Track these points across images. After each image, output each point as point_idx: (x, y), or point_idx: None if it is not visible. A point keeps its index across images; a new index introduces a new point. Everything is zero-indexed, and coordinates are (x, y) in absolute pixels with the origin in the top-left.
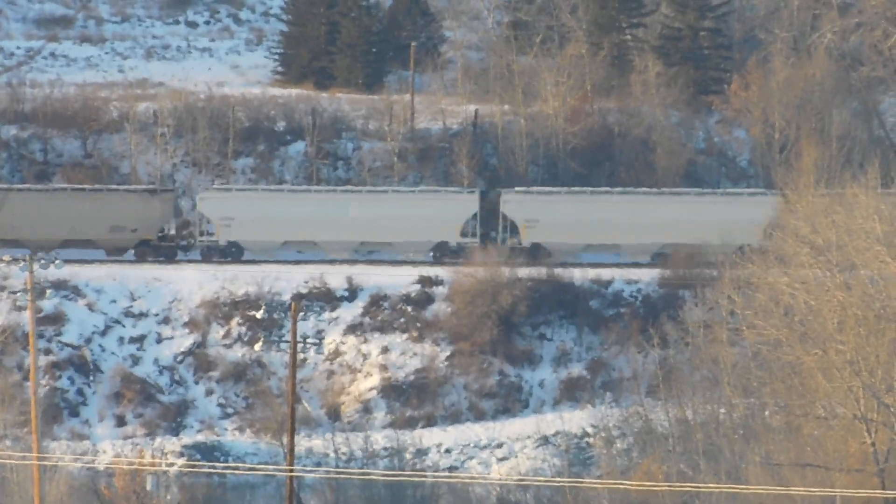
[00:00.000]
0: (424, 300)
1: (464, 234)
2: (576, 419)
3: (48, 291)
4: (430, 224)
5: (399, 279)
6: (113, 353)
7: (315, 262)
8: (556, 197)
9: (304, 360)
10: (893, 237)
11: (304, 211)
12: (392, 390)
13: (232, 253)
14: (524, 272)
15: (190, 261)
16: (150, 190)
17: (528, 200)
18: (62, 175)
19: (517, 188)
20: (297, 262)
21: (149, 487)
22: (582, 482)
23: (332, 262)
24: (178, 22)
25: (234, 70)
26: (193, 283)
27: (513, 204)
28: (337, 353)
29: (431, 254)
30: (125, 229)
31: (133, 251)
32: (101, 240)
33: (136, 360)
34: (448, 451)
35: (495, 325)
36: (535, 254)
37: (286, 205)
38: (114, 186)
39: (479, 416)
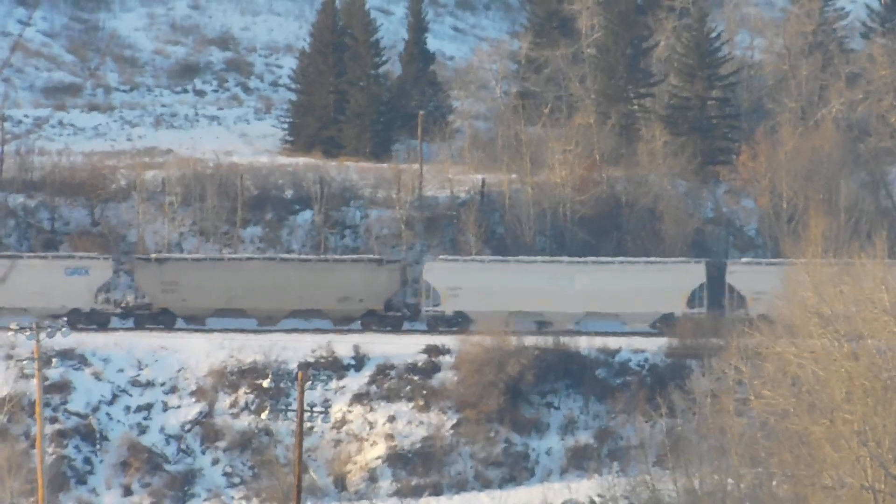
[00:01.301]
0: (431, 369)
1: (690, 305)
2: (583, 488)
3: (54, 360)
4: (656, 295)
5: (405, 348)
6: (119, 422)
7: (322, 332)
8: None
9: (311, 428)
10: None
11: (530, 282)
12: (398, 459)
13: (458, 323)
14: (531, 341)
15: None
16: (377, 260)
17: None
18: (69, 244)
19: (440, 257)
20: (304, 331)
21: None
22: None
23: (338, 331)
24: (186, 90)
25: (243, 138)
26: (200, 352)
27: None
28: (343, 422)
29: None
30: (352, 299)
31: (360, 321)
32: (328, 310)
33: (142, 429)
34: None
35: (502, 394)
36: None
37: (513, 276)
38: (342, 257)
39: (486, 484)
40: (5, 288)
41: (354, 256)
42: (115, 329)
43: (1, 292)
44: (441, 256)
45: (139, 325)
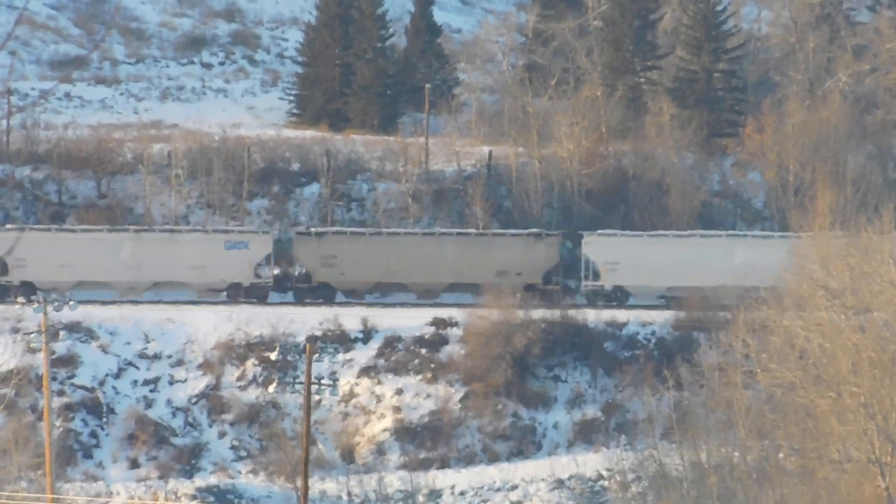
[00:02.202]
0: (438, 342)
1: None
2: (590, 462)
3: (61, 333)
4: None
5: (413, 321)
6: (126, 396)
7: (329, 304)
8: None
9: (319, 401)
10: None
11: (688, 257)
12: (406, 432)
13: (618, 297)
14: (538, 314)
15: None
16: (536, 234)
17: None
18: (76, 216)
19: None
20: (311, 304)
21: None
22: None
23: (346, 303)
24: (193, 63)
25: (249, 111)
26: (208, 324)
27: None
28: (351, 395)
29: None
30: (510, 273)
31: (519, 296)
32: (487, 284)
33: (149, 403)
34: (462, 493)
35: (509, 367)
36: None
37: (671, 250)
38: (500, 231)
39: (493, 458)
40: (164, 263)
41: (513, 231)
42: (120, 301)
43: (160, 267)
44: (599, 231)
45: (299, 300)
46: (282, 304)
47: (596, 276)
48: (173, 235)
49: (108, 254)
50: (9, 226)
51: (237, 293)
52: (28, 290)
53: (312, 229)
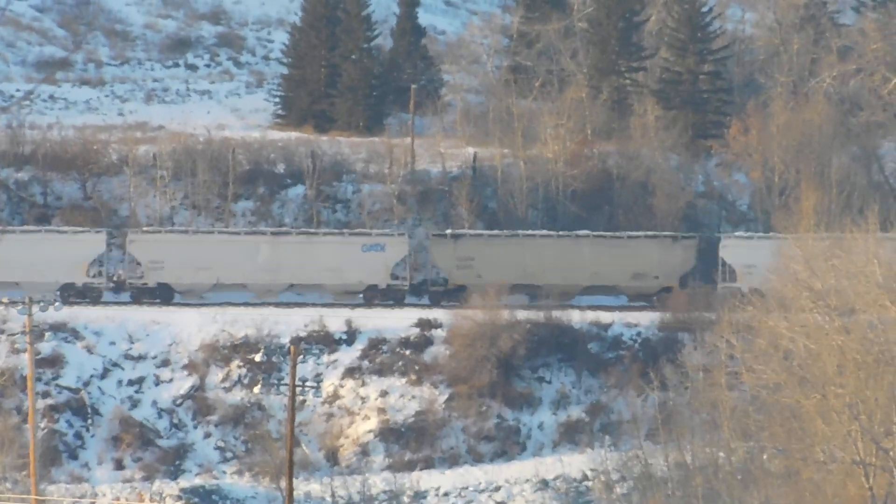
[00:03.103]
0: (423, 343)
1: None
2: (575, 462)
3: (47, 334)
4: None
5: (398, 322)
6: (111, 396)
7: (314, 305)
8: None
9: (303, 403)
10: (893, 281)
11: None
12: (390, 433)
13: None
14: (523, 315)
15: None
16: (672, 236)
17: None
18: (61, 218)
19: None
20: (297, 305)
21: None
22: None
23: (330, 305)
24: (177, 65)
25: (234, 113)
26: (193, 325)
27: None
28: (336, 397)
29: None
30: (647, 276)
31: (655, 298)
32: (623, 286)
33: (134, 403)
34: (446, 494)
35: (494, 368)
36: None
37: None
38: (637, 233)
39: (478, 459)
40: (301, 265)
41: (650, 233)
42: (106, 302)
43: (297, 269)
44: (737, 233)
45: (434, 303)
46: (419, 306)
47: (733, 278)
48: (310, 238)
49: (245, 256)
50: (146, 227)
51: (374, 295)
52: (165, 292)
53: (449, 231)
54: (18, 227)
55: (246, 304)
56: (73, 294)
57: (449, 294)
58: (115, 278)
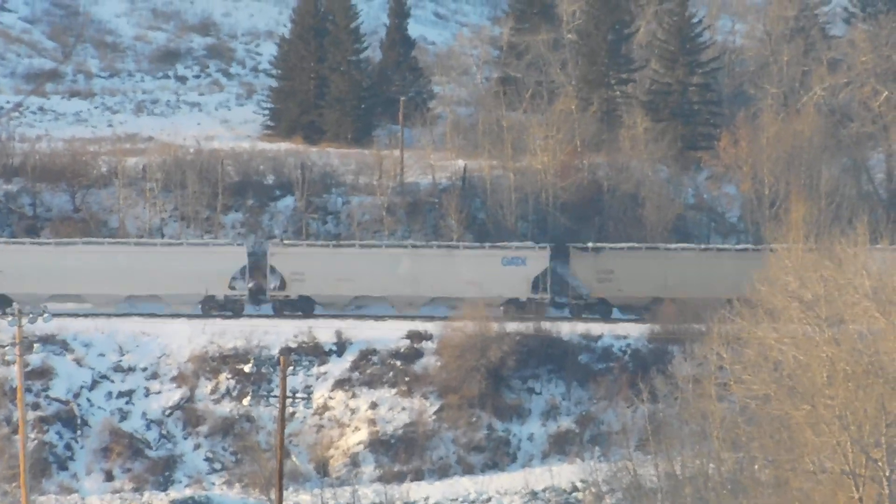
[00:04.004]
0: (413, 354)
1: None
2: (565, 473)
3: (36, 346)
4: None
5: (388, 333)
6: (101, 408)
7: (303, 317)
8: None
9: (293, 414)
10: (882, 292)
11: None
12: (380, 444)
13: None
14: (513, 326)
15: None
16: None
17: None
18: (51, 230)
19: None
20: (285, 316)
21: None
22: None
23: (320, 316)
24: (167, 76)
25: (224, 124)
26: (182, 337)
27: None
28: (325, 408)
29: None
30: None
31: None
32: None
33: (124, 415)
34: None
35: (484, 379)
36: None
37: None
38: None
39: (468, 470)
40: (441, 278)
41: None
42: (96, 314)
43: (437, 282)
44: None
45: (576, 315)
46: (559, 318)
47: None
48: (450, 251)
49: (385, 269)
50: (286, 241)
51: (514, 309)
52: (306, 304)
53: (590, 244)
54: (160, 240)
55: (235, 316)
56: (214, 307)
57: (590, 307)
58: (255, 291)
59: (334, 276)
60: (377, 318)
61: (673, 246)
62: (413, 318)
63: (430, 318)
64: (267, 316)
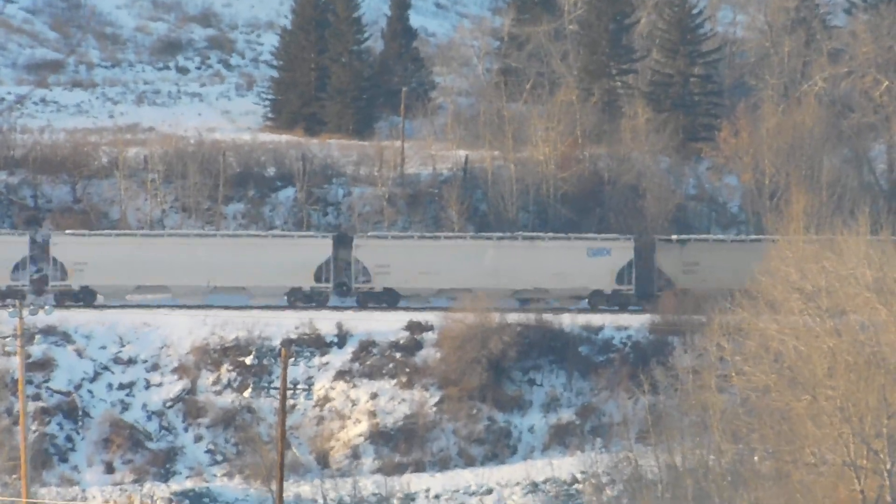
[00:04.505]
0: (413, 346)
1: None
2: (565, 465)
3: (37, 337)
4: None
5: (388, 325)
6: (102, 400)
7: (304, 309)
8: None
9: (294, 406)
10: (883, 283)
11: None
12: (381, 436)
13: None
14: (513, 317)
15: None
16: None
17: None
18: (51, 221)
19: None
20: (287, 308)
21: None
22: None
23: (321, 308)
24: (168, 67)
25: (225, 115)
26: (183, 328)
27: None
28: (326, 399)
29: None
30: None
31: None
32: None
33: (125, 407)
34: (437, 497)
35: (484, 371)
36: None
37: None
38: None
39: (468, 461)
40: (526, 270)
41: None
42: (98, 306)
43: (521, 274)
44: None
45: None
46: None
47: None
48: (534, 243)
49: (470, 261)
50: (372, 232)
51: (599, 300)
52: (391, 296)
53: (674, 237)
54: (244, 231)
55: (237, 307)
56: (300, 299)
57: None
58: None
59: (418, 269)
60: (378, 309)
61: (759, 237)
62: (413, 308)
63: (431, 309)
64: (351, 308)
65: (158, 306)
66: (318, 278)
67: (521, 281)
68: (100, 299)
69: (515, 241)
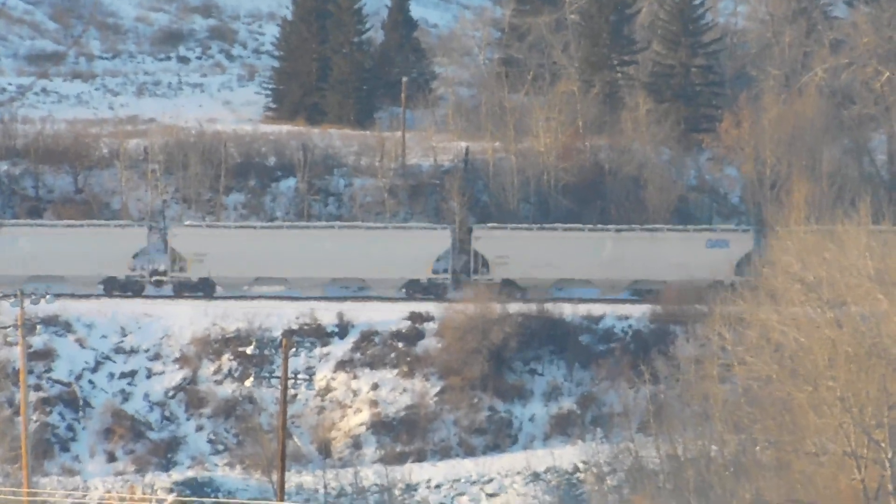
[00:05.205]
0: (415, 336)
1: None
2: (566, 455)
3: (38, 327)
4: None
5: (389, 315)
6: (103, 390)
7: (305, 299)
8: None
9: (295, 396)
10: (884, 274)
11: None
12: (382, 426)
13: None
14: (515, 308)
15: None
16: None
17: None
18: (53, 211)
19: None
20: (288, 299)
21: None
22: None
23: (322, 298)
24: (169, 58)
25: (226, 106)
26: (184, 318)
27: None
28: (327, 389)
29: None
30: None
31: None
32: None
33: (126, 396)
34: (438, 486)
35: (486, 361)
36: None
37: None
38: None
39: (469, 451)
40: (645, 260)
41: None
42: (99, 295)
43: (640, 265)
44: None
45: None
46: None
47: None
48: (654, 233)
49: (589, 252)
50: (492, 224)
51: (717, 291)
52: (511, 287)
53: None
54: (363, 223)
55: (238, 297)
56: (418, 291)
57: None
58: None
59: (538, 260)
60: (379, 299)
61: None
62: (415, 299)
63: (432, 299)
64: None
65: (159, 297)
66: (436, 270)
67: (639, 272)
68: (218, 290)
69: (634, 232)
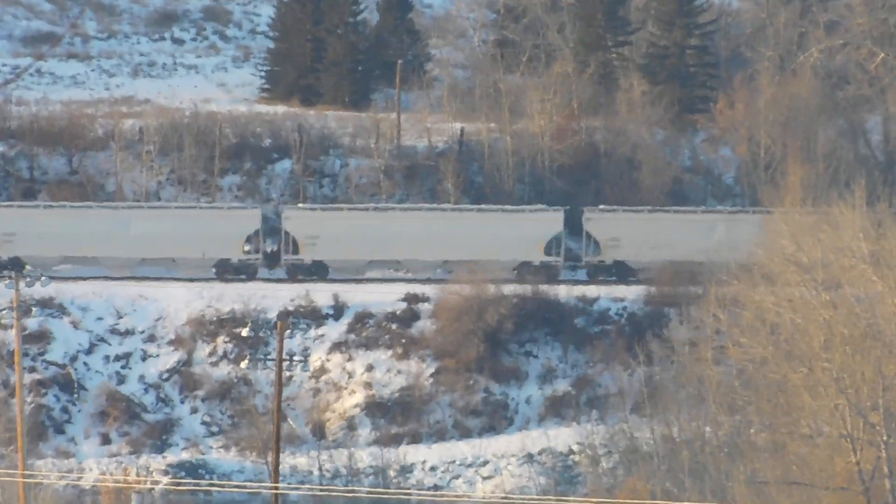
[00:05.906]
0: (410, 317)
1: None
2: (561, 436)
3: (34, 309)
4: None
5: (384, 296)
6: (98, 372)
7: (300, 281)
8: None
9: (290, 377)
10: (879, 256)
11: None
12: (377, 407)
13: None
14: (510, 289)
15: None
16: None
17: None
18: (48, 193)
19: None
20: (282, 280)
21: None
22: (567, 500)
23: (317, 280)
24: (164, 39)
25: (221, 87)
26: (179, 300)
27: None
28: (322, 371)
29: None
30: None
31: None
32: None
33: (121, 379)
34: (433, 468)
35: (481, 342)
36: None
37: None
38: None
39: (465, 433)
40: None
41: None
42: (93, 276)
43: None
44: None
45: None
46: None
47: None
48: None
49: (700, 234)
50: (603, 206)
51: None
52: (622, 269)
53: None
54: (475, 205)
55: (233, 280)
56: (529, 272)
57: None
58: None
59: (650, 242)
60: (374, 280)
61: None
62: (410, 280)
63: (428, 281)
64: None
65: (155, 278)
66: (548, 252)
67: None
68: (332, 273)
69: (747, 214)
